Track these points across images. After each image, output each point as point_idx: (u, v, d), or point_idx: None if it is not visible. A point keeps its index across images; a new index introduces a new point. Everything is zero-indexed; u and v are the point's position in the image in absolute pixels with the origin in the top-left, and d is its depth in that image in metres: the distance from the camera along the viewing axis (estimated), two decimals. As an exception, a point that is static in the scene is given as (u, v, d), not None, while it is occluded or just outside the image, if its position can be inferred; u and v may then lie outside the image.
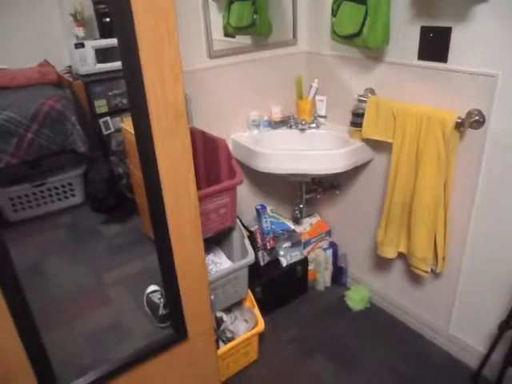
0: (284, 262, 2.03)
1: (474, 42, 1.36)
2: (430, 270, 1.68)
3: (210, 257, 1.81)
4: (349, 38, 1.59)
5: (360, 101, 1.72)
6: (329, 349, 1.86)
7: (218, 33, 1.73)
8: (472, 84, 1.39)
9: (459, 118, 1.42)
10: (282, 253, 2.03)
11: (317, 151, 1.74)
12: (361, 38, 1.53)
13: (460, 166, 1.51)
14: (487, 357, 1.59)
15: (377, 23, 1.51)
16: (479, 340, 1.68)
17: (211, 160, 1.69)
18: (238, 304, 1.83)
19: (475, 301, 1.65)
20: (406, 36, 1.54)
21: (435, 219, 1.58)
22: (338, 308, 2.09)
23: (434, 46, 1.48)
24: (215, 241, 1.87)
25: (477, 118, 1.41)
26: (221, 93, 1.78)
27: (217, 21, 1.72)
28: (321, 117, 1.96)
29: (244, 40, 1.84)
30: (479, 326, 1.66)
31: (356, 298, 2.08)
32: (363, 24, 1.51)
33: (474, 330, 1.69)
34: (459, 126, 1.43)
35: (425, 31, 1.48)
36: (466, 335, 1.73)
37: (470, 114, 1.42)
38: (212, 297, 1.49)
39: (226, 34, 1.79)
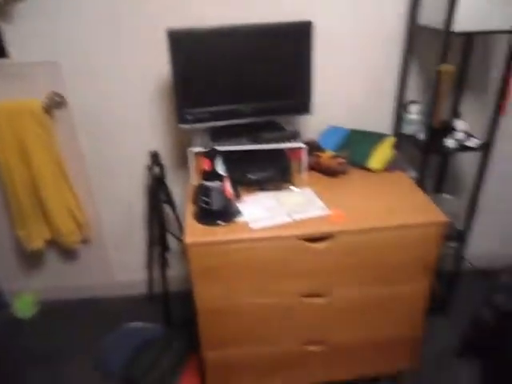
0: None
1: (31, 35, 1.55)
2: (80, 239, 1.89)
3: None
4: None
5: None
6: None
7: None
8: (41, 71, 1.61)
9: (43, 102, 1.62)
10: None
11: None
12: None
13: (63, 143, 1.74)
14: (150, 276, 2.02)
15: None
16: (142, 270, 2.09)
17: None
18: None
19: (121, 244, 2.02)
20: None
21: (62, 194, 1.77)
22: (12, 328, 1.99)
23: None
24: None
25: (57, 99, 1.65)
26: None
27: None
28: None
29: None
30: (137, 260, 2.06)
31: (23, 308, 2.04)
32: None
33: (134, 265, 2.08)
34: (46, 109, 1.63)
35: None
36: (131, 274, 2.10)
37: (49, 97, 1.64)
38: None
39: None
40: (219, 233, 1.25)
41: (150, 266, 1.99)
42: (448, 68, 1.38)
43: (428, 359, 1.73)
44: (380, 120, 1.78)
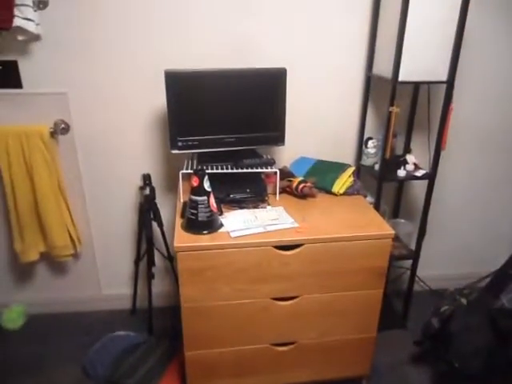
0: None
1: (42, 69, 1.79)
2: (72, 253, 2.06)
3: None
4: None
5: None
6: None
7: None
8: (50, 100, 1.84)
9: (51, 128, 1.84)
10: None
11: None
12: None
13: (65, 164, 1.95)
14: (135, 290, 2.18)
15: None
16: (128, 285, 2.25)
17: None
18: None
19: (109, 259, 2.19)
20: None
21: (60, 211, 1.96)
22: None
23: (6, 75, 1.80)
24: None
25: (63, 126, 1.88)
26: None
27: None
28: None
29: None
30: (123, 275, 2.23)
31: (11, 320, 2.16)
32: None
33: (121, 279, 2.24)
34: (53, 134, 1.86)
35: (-6, 65, 1.78)
36: (117, 288, 2.26)
37: (56, 124, 1.87)
38: None
39: None
40: (203, 240, 1.47)
41: (135, 280, 2.16)
42: (395, 110, 1.68)
43: (388, 364, 1.95)
44: (344, 152, 2.06)
